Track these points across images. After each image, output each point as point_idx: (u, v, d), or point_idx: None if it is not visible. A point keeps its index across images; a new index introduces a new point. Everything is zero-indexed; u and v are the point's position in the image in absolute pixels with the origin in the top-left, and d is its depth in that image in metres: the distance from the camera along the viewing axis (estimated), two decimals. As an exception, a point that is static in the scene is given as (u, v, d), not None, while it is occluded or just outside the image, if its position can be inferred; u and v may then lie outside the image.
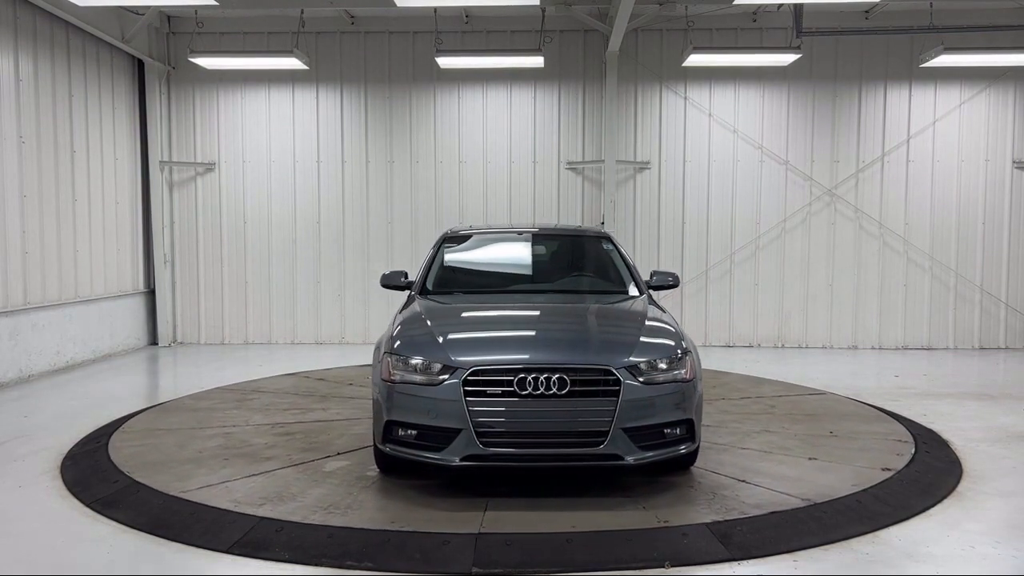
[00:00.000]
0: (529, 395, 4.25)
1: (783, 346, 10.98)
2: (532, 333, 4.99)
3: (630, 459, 4.32)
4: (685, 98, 10.90)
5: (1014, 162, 10.80)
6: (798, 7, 9.48)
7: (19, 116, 8.40)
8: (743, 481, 4.88)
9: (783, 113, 10.88)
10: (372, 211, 11.13)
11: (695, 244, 11.00)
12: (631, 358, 4.42)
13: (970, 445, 5.79)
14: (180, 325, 11.29)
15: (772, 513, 4.27)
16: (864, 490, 4.69)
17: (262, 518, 4.20)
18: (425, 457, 4.40)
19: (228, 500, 4.46)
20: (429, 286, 5.84)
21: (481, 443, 4.23)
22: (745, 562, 3.74)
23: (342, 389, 7.63)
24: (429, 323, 4.90)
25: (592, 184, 11.00)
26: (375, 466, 5.07)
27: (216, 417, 6.45)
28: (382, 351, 4.73)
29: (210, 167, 11.15)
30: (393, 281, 5.97)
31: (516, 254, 6.47)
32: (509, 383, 4.26)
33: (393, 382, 4.49)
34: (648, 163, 10.94)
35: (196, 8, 10.11)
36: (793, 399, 7.34)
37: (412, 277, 6.09)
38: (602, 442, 4.26)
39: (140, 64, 10.83)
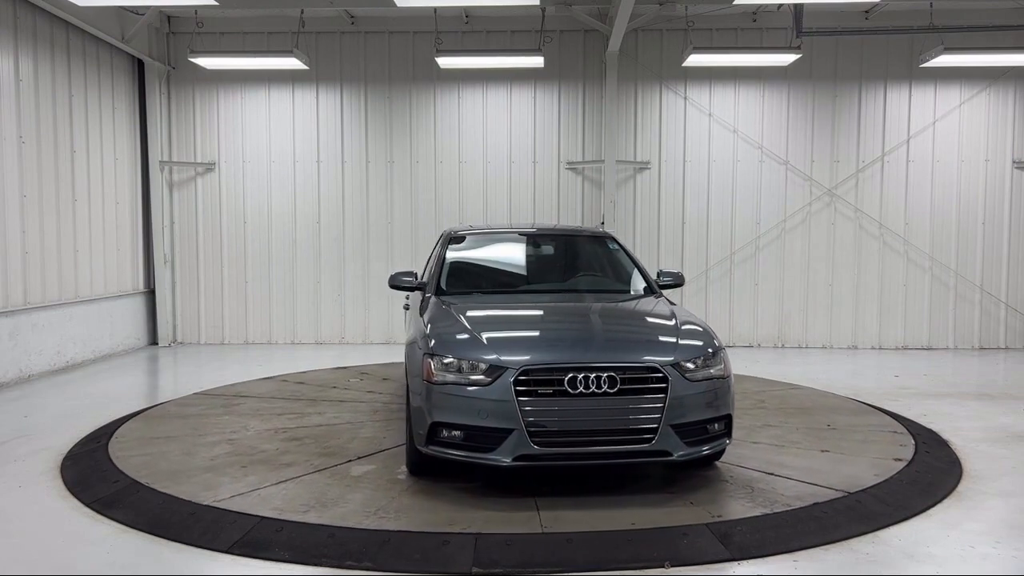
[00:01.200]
0: (580, 394, 4.26)
1: (783, 346, 10.98)
2: (577, 332, 4.98)
3: (677, 455, 4.39)
4: (685, 98, 10.90)
5: (1014, 162, 10.80)
6: (798, 7, 9.48)
7: (19, 116, 8.40)
8: (772, 474, 4.98)
9: (783, 113, 10.88)
10: (372, 211, 11.14)
11: (695, 244, 11.00)
12: (676, 356, 4.50)
13: (970, 445, 5.79)
14: (180, 325, 11.29)
15: (775, 513, 4.28)
16: (885, 480, 4.86)
17: (262, 518, 4.19)
18: (475, 458, 4.37)
19: (269, 508, 4.33)
20: (444, 286, 5.77)
21: (533, 442, 4.22)
22: (745, 562, 3.74)
23: (327, 392, 7.52)
24: (466, 323, 4.84)
25: (592, 184, 11.00)
26: (402, 469, 5.02)
27: (210, 423, 6.28)
28: (420, 352, 4.65)
29: (210, 167, 11.16)
30: (403, 281, 5.87)
31: (527, 254, 6.50)
32: (560, 382, 4.28)
33: (436, 383, 4.43)
34: (648, 163, 10.94)
35: (196, 8, 10.10)
36: (777, 394, 7.54)
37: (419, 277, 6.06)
38: (652, 439, 4.32)
39: (140, 64, 10.83)
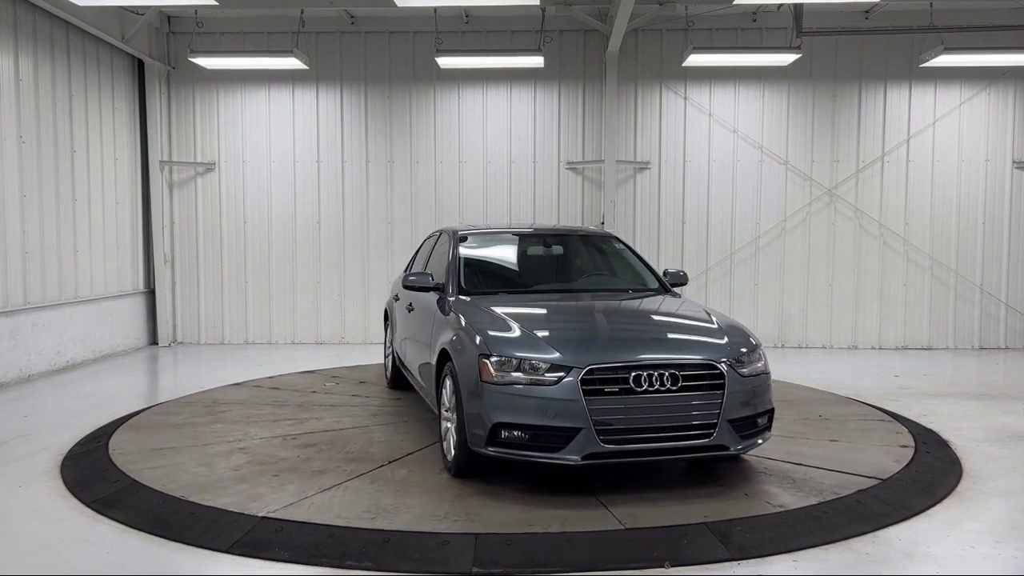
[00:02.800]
0: (645, 391, 4.33)
1: (783, 346, 10.98)
2: (633, 330, 5.10)
3: (734, 449, 4.54)
4: (685, 98, 10.90)
5: (1014, 162, 10.80)
6: (798, 7, 9.48)
7: (19, 116, 8.40)
8: (801, 464, 5.14)
9: (783, 113, 10.88)
10: (372, 211, 11.14)
11: (695, 244, 11.00)
12: (728, 353, 4.63)
13: (970, 445, 5.79)
14: (180, 325, 11.29)
15: (775, 513, 4.28)
16: (907, 465, 5.16)
17: (262, 518, 4.19)
18: (542, 458, 4.37)
19: (335, 516, 4.20)
20: (464, 286, 5.68)
21: (601, 440, 4.26)
22: (745, 562, 3.74)
23: (310, 397, 7.26)
24: (514, 323, 4.82)
25: (592, 184, 11.00)
26: (440, 472, 4.96)
27: (206, 432, 5.97)
28: (472, 353, 4.60)
29: (210, 167, 11.15)
30: (421, 282, 5.75)
31: (538, 254, 6.52)
32: (625, 380, 4.33)
33: (496, 383, 4.41)
34: (648, 163, 10.94)
35: (196, 8, 10.10)
36: None
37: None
38: (711, 434, 4.44)
39: (140, 64, 10.83)
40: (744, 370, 4.61)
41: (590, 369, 4.32)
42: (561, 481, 4.74)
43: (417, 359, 6.07)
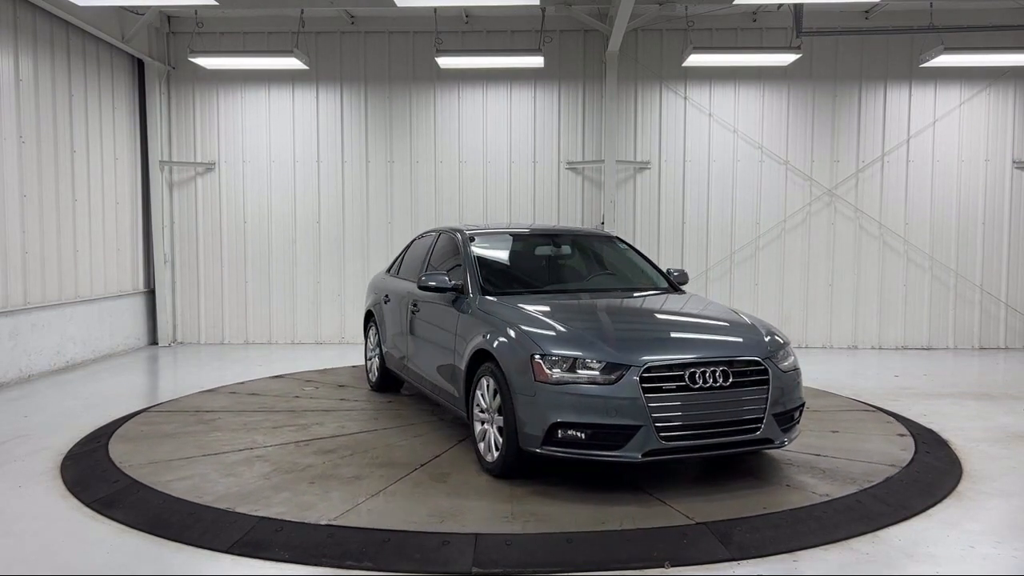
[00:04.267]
0: (700, 388, 4.42)
1: (783, 346, 10.98)
2: (683, 329, 5.23)
3: (777, 442, 4.71)
4: (685, 98, 10.90)
5: (1014, 162, 10.80)
6: (798, 7, 9.48)
7: (19, 116, 8.40)
8: (820, 455, 5.33)
9: (783, 113, 10.88)
10: (372, 211, 11.13)
11: (695, 244, 11.00)
12: (769, 349, 4.77)
13: (970, 445, 5.79)
14: (180, 325, 11.29)
15: (775, 512, 4.27)
16: (915, 455, 5.38)
17: (262, 518, 4.19)
18: (602, 456, 4.40)
19: (400, 521, 4.13)
20: (484, 286, 5.60)
21: (660, 437, 4.32)
22: (745, 562, 3.74)
23: (295, 402, 7.02)
24: (555, 321, 4.82)
25: (592, 184, 11.00)
26: (479, 473, 4.93)
27: (208, 441, 5.72)
28: (522, 352, 4.57)
29: (210, 167, 11.15)
30: (439, 283, 5.65)
31: (548, 254, 6.53)
32: (680, 378, 4.40)
33: (552, 383, 4.41)
34: (648, 163, 10.93)
35: (196, 8, 10.10)
36: None
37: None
38: (759, 428, 4.57)
39: (140, 64, 10.83)
40: (782, 365, 4.76)
41: (648, 367, 4.37)
42: (606, 479, 4.76)
43: (433, 361, 5.94)
